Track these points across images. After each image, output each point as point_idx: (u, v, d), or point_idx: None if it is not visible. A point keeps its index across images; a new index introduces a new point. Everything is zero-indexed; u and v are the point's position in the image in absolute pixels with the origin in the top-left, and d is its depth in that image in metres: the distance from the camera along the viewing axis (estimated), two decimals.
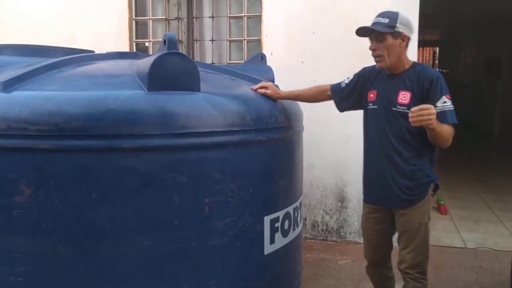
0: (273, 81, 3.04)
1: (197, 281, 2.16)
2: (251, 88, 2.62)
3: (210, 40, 4.93)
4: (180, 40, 4.88)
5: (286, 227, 2.51)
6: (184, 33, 4.90)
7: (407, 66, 2.41)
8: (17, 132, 1.95)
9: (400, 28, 2.35)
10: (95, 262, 2.03)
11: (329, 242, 4.45)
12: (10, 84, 2.09)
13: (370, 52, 2.41)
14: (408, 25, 2.39)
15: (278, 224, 2.44)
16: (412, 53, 4.02)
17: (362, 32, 2.39)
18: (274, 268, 2.49)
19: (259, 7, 4.60)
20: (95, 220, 1.99)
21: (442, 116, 2.25)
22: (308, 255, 4.07)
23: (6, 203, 1.99)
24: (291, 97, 2.72)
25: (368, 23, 2.38)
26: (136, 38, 5.02)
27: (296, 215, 2.64)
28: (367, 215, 2.61)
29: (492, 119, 12.41)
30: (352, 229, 4.40)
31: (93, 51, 3.11)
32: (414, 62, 2.45)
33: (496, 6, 9.49)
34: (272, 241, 2.40)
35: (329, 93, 2.68)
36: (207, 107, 2.12)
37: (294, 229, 2.61)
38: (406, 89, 2.35)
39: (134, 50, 4.88)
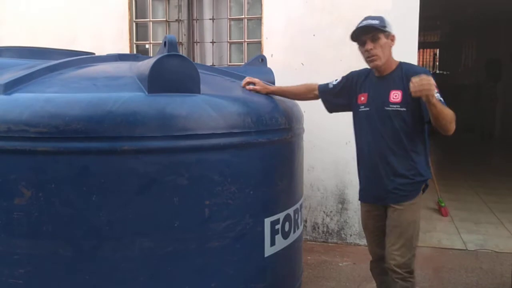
0: (273, 83, 3.04)
1: (197, 283, 2.16)
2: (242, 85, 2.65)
3: (211, 42, 4.93)
4: (181, 42, 4.89)
5: (286, 229, 2.50)
6: (185, 35, 4.91)
7: (394, 67, 2.47)
8: (17, 134, 1.94)
9: (388, 28, 2.43)
10: (95, 264, 2.02)
11: (330, 244, 4.45)
12: (11, 86, 2.09)
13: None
14: (391, 26, 2.46)
15: (278, 226, 2.43)
16: (413, 55, 4.05)
17: (360, 32, 2.42)
18: (275, 270, 2.48)
19: (260, 9, 4.61)
20: (95, 222, 1.99)
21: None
22: (309, 257, 4.06)
23: (6, 205, 1.99)
24: (279, 92, 2.73)
25: None
26: (137, 40, 5.03)
27: (296, 217, 2.63)
28: (368, 213, 2.65)
29: (492, 120, 12.41)
30: (352, 231, 4.40)
31: (93, 53, 3.11)
32: (400, 62, 2.50)
33: (497, 8, 9.49)
34: (272, 243, 2.39)
35: (317, 92, 2.73)
36: (207, 109, 2.12)
37: (294, 231, 2.61)
38: (396, 88, 2.40)
39: (135, 52, 4.88)
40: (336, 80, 2.69)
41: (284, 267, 2.61)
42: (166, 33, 4.91)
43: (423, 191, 2.55)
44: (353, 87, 2.60)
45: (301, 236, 2.84)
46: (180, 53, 2.22)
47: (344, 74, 2.70)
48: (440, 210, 5.47)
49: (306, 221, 4.47)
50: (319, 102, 2.74)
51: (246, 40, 4.77)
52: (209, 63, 4.88)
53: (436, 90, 2.26)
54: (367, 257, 2.78)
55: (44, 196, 1.96)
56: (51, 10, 4.98)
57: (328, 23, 4.29)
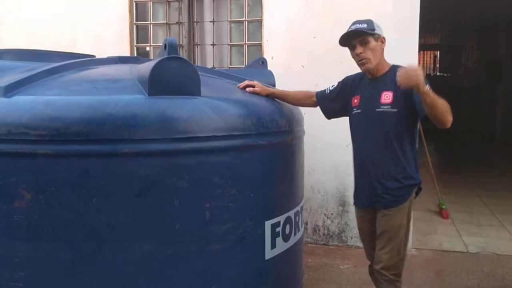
0: (274, 85, 3.04)
1: (197, 286, 2.15)
2: (238, 86, 2.66)
3: (211, 45, 4.94)
4: (181, 45, 4.89)
5: (287, 231, 2.50)
6: (185, 37, 4.91)
7: (387, 68, 2.50)
8: (17, 137, 1.94)
9: (378, 30, 2.45)
10: (95, 267, 2.02)
11: (330, 247, 4.44)
12: (11, 89, 2.09)
13: None
14: (381, 28, 2.48)
15: (279, 229, 2.43)
16: (413, 57, 4.04)
17: (348, 37, 2.45)
18: (275, 273, 2.47)
19: (260, 12, 4.61)
20: (95, 225, 1.99)
21: None
22: (309, 260, 4.06)
23: (6, 208, 1.98)
24: (279, 95, 2.74)
25: None
26: (137, 42, 5.03)
27: (297, 219, 2.63)
28: (362, 218, 2.68)
29: (493, 122, 12.42)
30: (353, 234, 4.39)
31: (94, 56, 3.11)
32: (393, 65, 2.52)
33: (497, 10, 9.50)
34: (273, 245, 2.39)
35: (315, 99, 2.77)
36: (207, 112, 2.12)
37: (295, 234, 2.61)
38: (388, 89, 2.42)
39: (135, 55, 4.89)
40: (332, 86, 2.73)
41: (285, 269, 2.60)
42: (167, 36, 4.92)
43: (417, 194, 2.56)
44: (348, 91, 2.63)
45: (302, 238, 2.83)
46: (181, 56, 2.22)
47: (345, 76, 2.71)
48: (441, 213, 5.47)
49: (306, 224, 4.46)
50: None
51: (246, 42, 4.77)
52: (209, 65, 4.88)
53: (429, 86, 2.25)
54: (368, 260, 2.78)
55: (44, 199, 1.96)
56: (52, 13, 4.99)
57: (328, 26, 4.29)
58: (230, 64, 4.86)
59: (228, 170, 2.16)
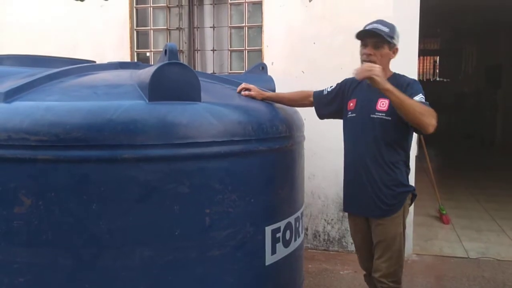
0: (274, 90, 3.04)
1: None
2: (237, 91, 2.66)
3: (211, 50, 4.95)
4: (181, 50, 4.90)
5: (287, 237, 2.49)
6: (185, 43, 4.92)
7: (388, 76, 2.45)
8: (17, 143, 1.94)
9: (395, 40, 2.42)
10: (95, 273, 2.01)
11: (331, 252, 4.43)
12: (11, 95, 2.09)
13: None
14: (399, 38, 2.45)
15: (279, 235, 2.42)
16: (413, 62, 4.05)
17: (364, 35, 2.40)
18: (276, 279, 2.47)
19: (260, 17, 4.62)
20: (95, 231, 1.98)
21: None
22: (310, 265, 4.05)
23: (6, 214, 1.97)
24: (275, 99, 2.73)
25: None
26: (137, 48, 5.05)
27: (297, 225, 2.62)
28: (355, 227, 2.66)
29: (493, 128, 12.42)
30: None
31: (94, 61, 3.11)
32: (394, 73, 2.49)
33: (497, 15, 9.52)
34: (273, 251, 2.38)
35: (312, 99, 2.75)
36: (208, 117, 2.11)
37: (295, 239, 2.60)
38: (385, 96, 2.37)
39: (135, 60, 4.89)
40: (330, 87, 2.71)
41: (285, 275, 2.59)
42: (167, 41, 4.93)
43: (412, 201, 2.55)
44: (345, 94, 2.61)
45: (302, 244, 2.83)
46: (181, 61, 2.22)
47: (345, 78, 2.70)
48: (441, 218, 5.46)
49: (307, 229, 4.46)
50: None
51: (246, 48, 4.78)
52: (209, 71, 4.89)
53: (422, 96, 2.28)
54: (363, 270, 2.76)
55: (44, 204, 1.95)
56: (52, 18, 5.00)
57: (328, 31, 4.30)
58: (230, 70, 4.87)
59: (228, 175, 2.16)
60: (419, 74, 5.06)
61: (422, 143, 5.49)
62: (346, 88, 2.62)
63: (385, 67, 2.43)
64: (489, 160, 10.19)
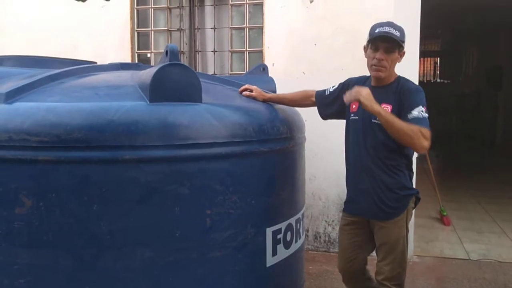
0: (275, 91, 3.04)
1: None
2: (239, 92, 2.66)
3: (212, 51, 4.95)
4: (182, 51, 4.90)
5: (288, 238, 2.49)
6: (186, 44, 4.92)
7: (392, 79, 2.44)
8: (18, 144, 1.94)
9: (404, 44, 2.39)
10: (95, 274, 2.01)
11: (331, 254, 4.42)
12: (12, 95, 2.09)
13: None
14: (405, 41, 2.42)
15: (280, 236, 2.42)
16: (414, 64, 4.05)
17: (378, 38, 2.34)
18: (276, 280, 2.46)
19: (261, 19, 4.62)
20: (96, 232, 1.98)
21: (416, 122, 2.23)
22: (310, 267, 4.04)
23: (6, 215, 1.97)
24: (276, 100, 2.72)
25: None
26: (138, 49, 5.05)
27: (298, 226, 2.62)
28: (344, 227, 2.63)
29: (494, 129, 12.41)
30: None
31: (95, 62, 3.11)
32: (399, 76, 2.47)
33: (497, 16, 9.52)
34: (274, 253, 2.38)
35: (314, 99, 2.73)
36: (209, 118, 2.11)
37: (296, 241, 2.59)
38: (388, 102, 2.37)
39: (136, 61, 4.90)
40: (333, 86, 2.69)
41: (286, 277, 2.59)
42: (168, 42, 4.93)
43: (415, 204, 2.53)
44: None
45: (303, 245, 2.82)
46: (182, 62, 2.22)
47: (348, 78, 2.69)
48: (442, 220, 5.45)
49: (307, 231, 4.45)
50: None
51: (247, 49, 4.78)
52: (210, 72, 4.89)
53: (424, 108, 2.27)
54: (369, 267, 2.75)
55: (45, 205, 1.95)
56: (53, 19, 5.00)
57: (329, 32, 4.30)
58: (231, 71, 4.87)
59: (229, 176, 2.15)
60: (419, 76, 5.06)
61: None
62: (349, 89, 2.58)
63: (392, 70, 2.42)
64: (490, 161, 10.18)
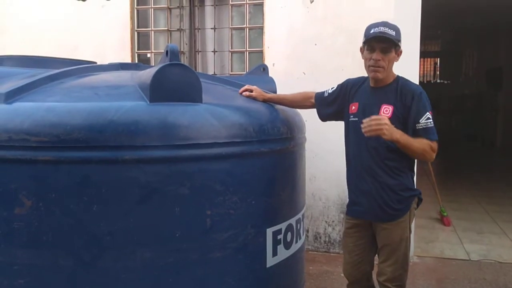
0: (275, 92, 3.03)
1: None
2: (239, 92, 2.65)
3: (212, 51, 4.94)
4: (182, 51, 4.90)
5: (288, 239, 2.48)
6: (186, 44, 4.92)
7: (391, 80, 2.44)
8: (18, 144, 1.93)
9: (400, 43, 2.38)
10: (95, 275, 2.00)
11: (332, 254, 4.42)
12: (12, 95, 2.08)
13: None
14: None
15: (280, 236, 2.41)
16: (414, 64, 4.05)
17: (374, 39, 2.34)
18: (276, 281, 2.46)
19: (261, 19, 4.62)
20: (96, 232, 1.97)
21: (425, 133, 2.30)
22: (311, 267, 4.04)
23: (6, 215, 1.97)
24: (276, 100, 2.71)
25: None
26: (138, 49, 5.04)
27: (298, 227, 2.61)
28: (348, 231, 2.61)
29: (494, 130, 12.41)
30: None
31: (95, 62, 3.11)
32: (397, 76, 2.46)
33: (497, 17, 9.52)
34: (274, 253, 2.37)
35: (313, 100, 2.72)
36: (209, 118, 2.11)
37: (296, 241, 2.59)
38: (388, 102, 2.36)
39: (136, 61, 4.89)
40: (331, 88, 2.67)
41: (286, 277, 2.58)
42: (168, 42, 4.92)
43: (417, 205, 2.53)
44: (347, 96, 2.57)
45: (303, 246, 2.82)
46: (182, 62, 2.22)
47: (346, 79, 2.69)
48: (442, 220, 5.45)
49: (308, 231, 4.45)
50: None
51: (247, 49, 4.78)
52: (210, 72, 4.89)
53: (429, 114, 2.31)
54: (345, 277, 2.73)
55: (44, 205, 1.95)
56: (53, 19, 5.00)
57: (329, 33, 4.30)
58: (231, 71, 4.87)
59: (230, 177, 2.15)
60: (419, 76, 5.06)
61: None
62: (347, 90, 2.58)
63: (390, 70, 2.41)
64: (490, 162, 10.19)
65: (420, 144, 2.28)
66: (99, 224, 1.96)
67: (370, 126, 2.17)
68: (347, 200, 2.62)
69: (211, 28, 4.92)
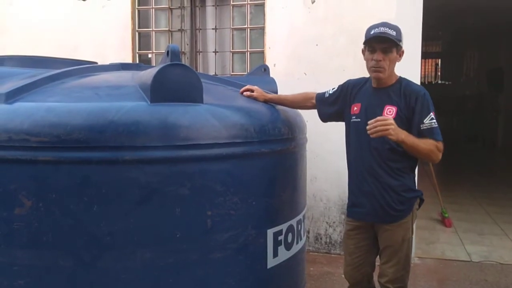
0: (276, 92, 3.03)
1: None
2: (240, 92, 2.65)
3: (213, 52, 4.94)
4: (183, 52, 4.89)
5: (289, 240, 2.48)
6: (187, 44, 4.91)
7: (394, 80, 2.43)
8: (18, 144, 1.93)
9: (402, 42, 2.37)
10: (95, 275, 2.00)
11: (332, 255, 4.41)
12: (12, 96, 2.08)
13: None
14: (403, 39, 2.41)
15: (281, 237, 2.41)
16: (416, 65, 4.04)
17: (374, 39, 2.34)
18: (277, 282, 2.45)
19: (262, 19, 4.62)
20: (96, 233, 1.97)
21: (429, 133, 2.30)
22: (311, 268, 4.03)
23: (6, 215, 1.96)
24: (277, 101, 2.71)
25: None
26: (139, 49, 5.04)
27: (299, 228, 2.61)
28: (349, 232, 2.59)
29: (495, 131, 12.40)
30: None
31: (96, 62, 3.10)
32: (400, 77, 2.45)
33: (498, 18, 9.51)
34: (275, 254, 2.36)
35: (314, 101, 2.71)
36: (210, 119, 2.10)
37: (297, 242, 2.58)
38: (392, 103, 2.36)
39: (137, 62, 4.89)
40: (332, 89, 2.66)
41: (287, 278, 2.57)
42: (169, 43, 4.92)
43: (419, 206, 2.52)
44: (348, 96, 2.56)
45: (304, 247, 2.81)
46: (183, 63, 2.21)
47: (347, 79, 2.68)
48: (444, 221, 5.44)
49: (308, 232, 4.44)
50: None
51: (248, 49, 4.77)
52: (211, 72, 4.88)
53: (433, 114, 2.31)
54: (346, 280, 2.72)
55: (44, 206, 1.94)
56: (54, 19, 5.00)
57: (331, 33, 4.29)
58: (232, 71, 4.86)
59: (230, 177, 2.14)
60: (421, 77, 5.06)
61: None
62: (348, 90, 2.57)
63: (392, 71, 2.40)
64: (491, 163, 10.17)
65: (426, 144, 2.27)
66: (99, 225, 1.96)
67: (376, 128, 2.16)
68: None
69: (212, 29, 4.91)
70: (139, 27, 5.01)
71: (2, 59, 2.82)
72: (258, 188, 2.28)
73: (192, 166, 2.07)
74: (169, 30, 4.98)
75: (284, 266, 2.45)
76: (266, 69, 3.28)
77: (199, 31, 4.94)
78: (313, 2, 4.34)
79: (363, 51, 2.46)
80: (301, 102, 2.76)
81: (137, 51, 5.00)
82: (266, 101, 2.63)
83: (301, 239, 2.66)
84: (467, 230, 5.24)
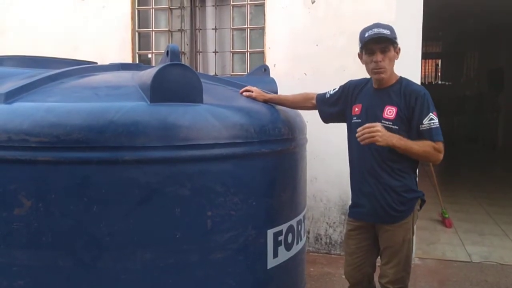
0: (276, 93, 3.02)
1: None
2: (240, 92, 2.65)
3: (213, 52, 4.93)
4: (183, 52, 4.89)
5: (289, 240, 2.47)
6: (187, 44, 4.91)
7: (394, 80, 2.42)
8: (17, 144, 1.92)
9: (397, 40, 2.37)
10: (95, 276, 1.99)
11: (333, 256, 4.41)
12: (11, 96, 2.07)
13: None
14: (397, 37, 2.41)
15: (281, 238, 2.40)
16: (416, 66, 4.03)
17: (371, 41, 2.34)
18: (277, 282, 2.45)
19: (262, 19, 4.61)
20: (96, 233, 1.96)
21: (428, 134, 2.29)
22: (311, 269, 4.03)
23: (6, 216, 1.96)
24: (277, 101, 2.70)
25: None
26: (139, 49, 5.03)
27: (299, 228, 2.60)
28: (350, 233, 2.59)
29: (495, 131, 12.40)
30: None
31: (96, 62, 3.10)
32: (400, 77, 2.45)
33: (499, 18, 9.51)
34: (275, 255, 2.36)
35: (314, 101, 2.70)
36: (209, 119, 2.10)
37: (297, 243, 2.58)
38: (392, 104, 2.35)
39: (137, 62, 4.88)
40: (333, 89, 2.65)
41: (287, 279, 2.57)
42: (169, 43, 4.91)
43: (420, 207, 2.51)
44: (349, 97, 2.56)
45: (304, 247, 2.81)
46: (183, 63, 2.21)
47: (348, 80, 2.67)
48: (444, 222, 5.43)
49: (309, 233, 4.43)
50: None
51: (249, 50, 4.77)
52: (211, 72, 4.88)
53: (433, 115, 2.29)
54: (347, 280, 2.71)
55: (44, 206, 1.94)
56: (54, 19, 4.99)
57: (331, 33, 4.29)
58: (232, 72, 4.86)
59: (230, 178, 2.14)
60: (421, 77, 5.07)
61: None
62: (350, 91, 2.56)
63: (392, 70, 2.40)
64: (491, 163, 10.17)
65: (421, 146, 2.27)
66: (99, 225, 1.95)
67: (363, 135, 2.20)
68: (349, 201, 2.61)
69: (212, 29, 4.91)
70: (139, 27, 5.01)
71: (2, 59, 2.82)
72: (258, 188, 2.27)
73: (192, 166, 2.06)
74: (169, 30, 4.98)
75: (284, 266, 2.45)
76: (266, 69, 3.28)
77: (199, 31, 4.94)
78: (313, 2, 4.34)
79: (359, 56, 2.46)
80: (301, 103, 2.75)
81: (137, 51, 5.00)
82: (265, 101, 2.62)
83: (301, 239, 2.66)
84: (467, 230, 5.23)
